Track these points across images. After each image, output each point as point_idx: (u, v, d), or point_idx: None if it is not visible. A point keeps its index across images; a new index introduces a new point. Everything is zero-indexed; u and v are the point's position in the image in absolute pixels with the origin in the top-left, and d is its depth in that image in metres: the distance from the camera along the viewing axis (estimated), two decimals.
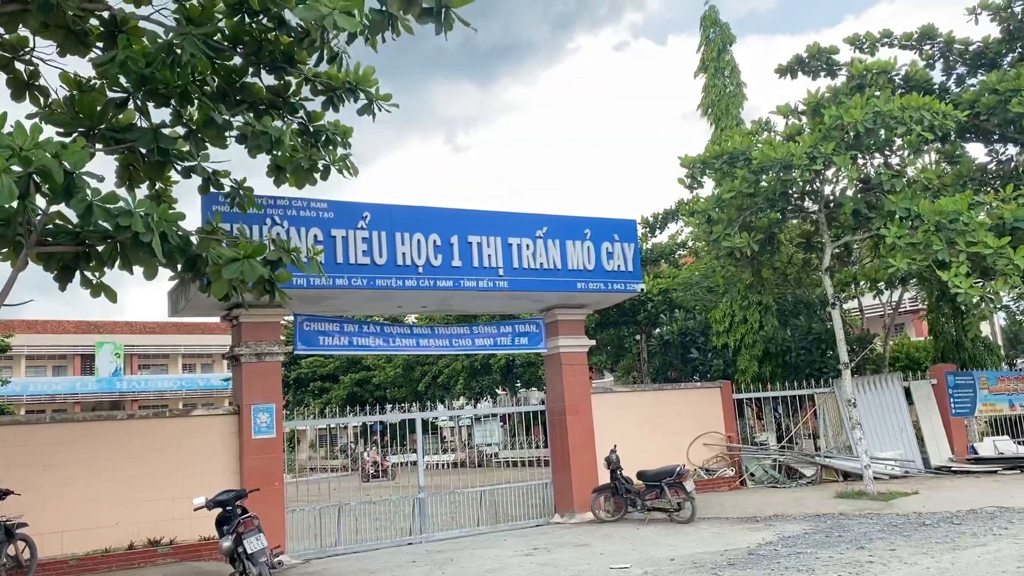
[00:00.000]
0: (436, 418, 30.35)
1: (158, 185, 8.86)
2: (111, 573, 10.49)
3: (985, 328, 27.31)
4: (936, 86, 18.34)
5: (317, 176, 8.89)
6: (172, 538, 11.07)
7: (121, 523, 10.89)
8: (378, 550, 12.74)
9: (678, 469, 13.37)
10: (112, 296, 7.49)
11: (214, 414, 12.36)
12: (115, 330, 49.91)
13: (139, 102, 8.11)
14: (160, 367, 53.43)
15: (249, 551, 8.92)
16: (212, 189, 8.76)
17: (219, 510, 9.50)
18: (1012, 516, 11.21)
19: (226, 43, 8.02)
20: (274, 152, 8.12)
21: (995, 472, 15.90)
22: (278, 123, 8.44)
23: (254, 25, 7.94)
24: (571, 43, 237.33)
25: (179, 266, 7.65)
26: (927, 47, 18.38)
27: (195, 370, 54.37)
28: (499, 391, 36.10)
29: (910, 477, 16.13)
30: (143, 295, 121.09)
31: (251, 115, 8.22)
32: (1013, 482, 14.43)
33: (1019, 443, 18.18)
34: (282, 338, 12.84)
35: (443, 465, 30.53)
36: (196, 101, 8.04)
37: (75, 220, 6.97)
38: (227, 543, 9.07)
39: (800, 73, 18.72)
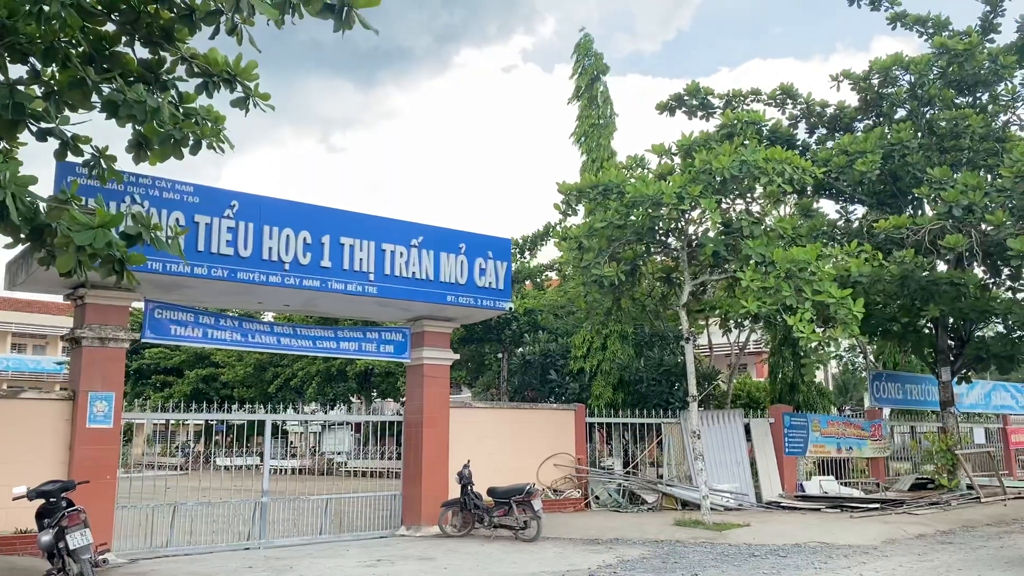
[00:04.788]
0: (285, 422, 29.47)
1: (3, 144, 8.17)
2: None
3: (819, 375, 29.24)
4: (799, 142, 19.67)
5: (186, 151, 8.41)
6: None
7: None
8: (212, 553, 12.17)
9: (528, 488, 13.52)
10: None
11: (45, 398, 11.55)
12: None
13: None
14: None
15: (72, 547, 8.29)
16: (70, 156, 8.18)
17: (42, 501, 8.81)
18: (832, 552, 11.98)
19: (100, 7, 7.53)
20: (148, 122, 7.64)
21: (819, 510, 16.94)
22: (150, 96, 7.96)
23: None
24: (457, 56, 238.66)
25: (23, 234, 7.06)
26: (790, 107, 19.74)
27: (26, 351, 50.53)
28: (354, 399, 35.43)
29: (743, 510, 16.95)
30: None
31: (122, 83, 7.74)
32: (835, 520, 15.42)
33: (842, 484, 19.47)
34: (129, 325, 12.10)
35: (288, 471, 29.60)
36: (61, 61, 7.48)
37: None
38: (46, 537, 8.41)
39: (679, 111, 19.64)
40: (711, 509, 15.05)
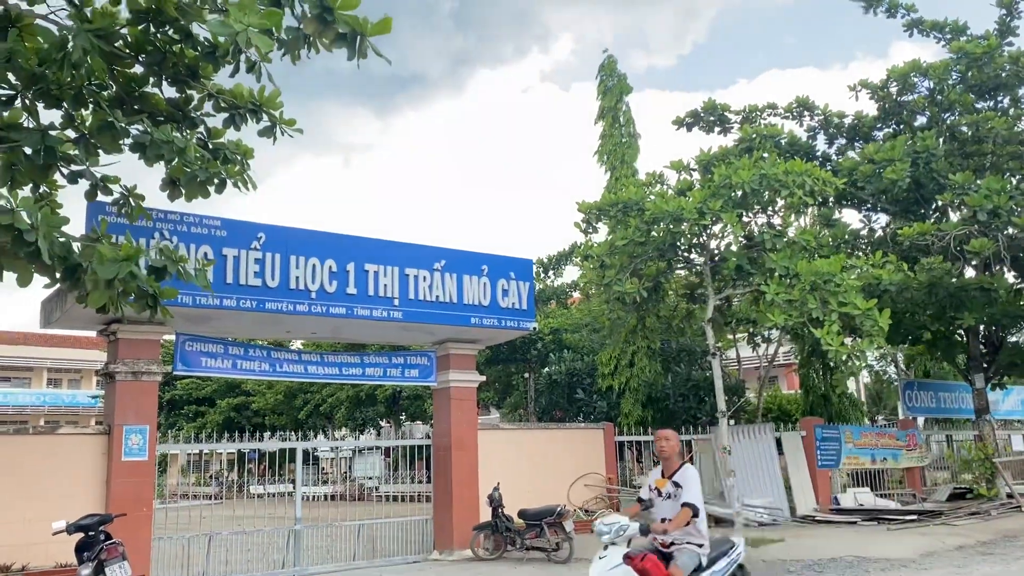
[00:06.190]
0: (316, 448, 29.64)
1: (42, 188, 8.43)
2: None
3: (851, 385, 28.93)
4: (819, 153, 19.61)
5: (212, 189, 8.64)
6: (25, 564, 10.37)
7: None
8: None
9: (559, 509, 13.50)
10: None
11: (82, 433, 11.73)
12: None
13: (28, 101, 7.73)
14: (22, 380, 50.11)
15: None
16: (100, 196, 8.40)
17: (81, 535, 8.97)
18: (868, 566, 11.83)
19: (128, 50, 7.76)
20: (176, 161, 7.85)
21: (855, 523, 16.72)
22: (177, 135, 8.18)
23: (159, 35, 7.72)
24: (473, 79, 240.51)
25: (57, 274, 7.27)
26: (807, 118, 19.71)
27: (61, 385, 51.30)
28: (383, 423, 35.56)
29: (777, 525, 16.77)
30: (6, 302, 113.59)
31: (150, 124, 7.96)
32: (870, 533, 15.22)
33: (878, 496, 19.21)
34: (161, 357, 12.32)
35: (320, 497, 29.76)
36: (91, 105, 7.71)
37: None
38: (86, 571, 8.55)
39: (695, 127, 19.70)
40: (745, 525, 14.92)
